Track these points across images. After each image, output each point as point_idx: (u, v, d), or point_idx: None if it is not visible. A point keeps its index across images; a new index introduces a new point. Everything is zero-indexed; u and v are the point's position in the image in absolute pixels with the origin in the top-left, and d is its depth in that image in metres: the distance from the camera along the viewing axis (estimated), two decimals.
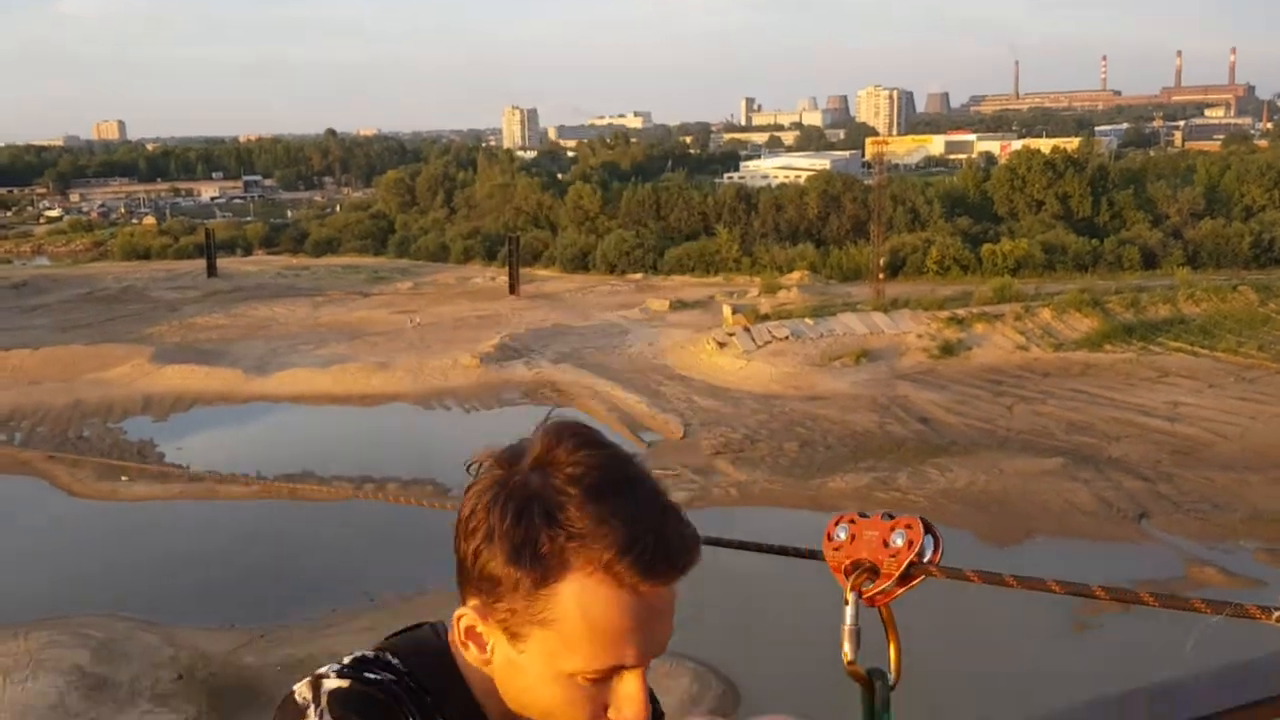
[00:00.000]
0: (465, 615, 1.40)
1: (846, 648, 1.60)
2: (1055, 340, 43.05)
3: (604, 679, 1.34)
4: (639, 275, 65.07)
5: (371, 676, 1.37)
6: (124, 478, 30.59)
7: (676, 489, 28.47)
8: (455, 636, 1.43)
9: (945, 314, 44.93)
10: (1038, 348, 42.33)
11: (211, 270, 70.18)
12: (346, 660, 1.40)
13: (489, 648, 1.39)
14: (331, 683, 1.35)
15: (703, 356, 42.68)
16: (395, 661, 1.44)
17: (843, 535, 1.70)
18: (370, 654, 1.45)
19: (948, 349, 42.05)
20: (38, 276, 72.47)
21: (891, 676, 1.65)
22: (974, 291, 49.93)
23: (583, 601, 1.30)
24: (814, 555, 1.82)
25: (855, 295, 52.34)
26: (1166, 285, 50.75)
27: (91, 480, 30.57)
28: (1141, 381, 37.22)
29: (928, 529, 1.63)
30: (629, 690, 1.35)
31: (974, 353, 41.95)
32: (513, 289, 60.92)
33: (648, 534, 1.30)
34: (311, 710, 1.31)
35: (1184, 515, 24.99)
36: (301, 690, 1.34)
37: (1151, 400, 34.51)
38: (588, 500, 1.30)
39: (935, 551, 1.63)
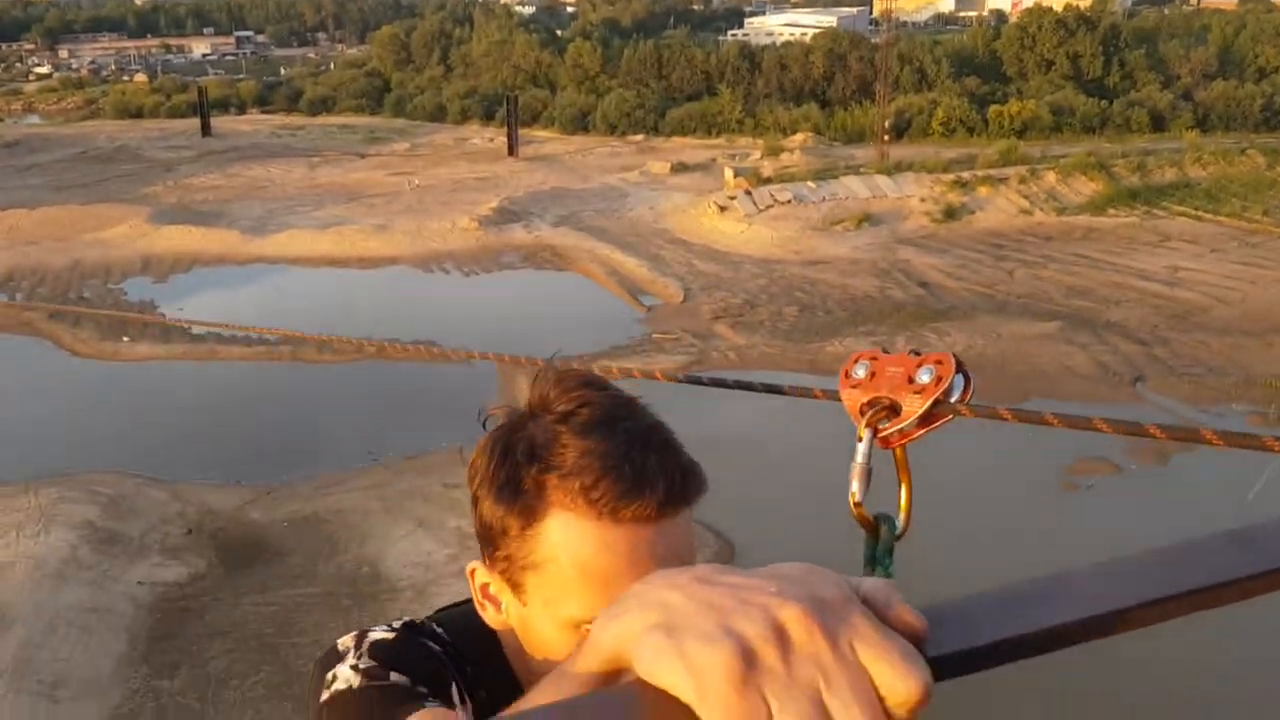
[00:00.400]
0: (477, 570, 1.39)
1: (855, 486, 1.53)
2: (1059, 204, 42.68)
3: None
4: (640, 137, 64.06)
5: (418, 640, 1.37)
6: (125, 338, 30.74)
7: (676, 353, 28.64)
8: (475, 598, 1.41)
9: (949, 177, 44.39)
10: (1041, 211, 42.01)
11: (205, 129, 69.07)
12: (395, 623, 1.39)
13: (503, 606, 1.37)
14: (377, 634, 1.35)
15: (704, 220, 42.39)
16: (441, 631, 1.43)
17: (861, 373, 1.59)
18: (418, 621, 1.45)
19: (950, 213, 41.72)
20: (30, 135, 71.37)
21: (899, 524, 1.56)
22: (979, 154, 49.27)
23: (566, 539, 1.25)
24: (830, 396, 1.73)
25: (859, 158, 51.66)
26: (1174, 149, 50.02)
27: (94, 340, 30.73)
28: (1143, 246, 37.07)
29: (959, 367, 1.52)
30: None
31: (976, 216, 41.65)
32: (511, 150, 60.07)
33: (626, 463, 1.25)
34: (351, 653, 1.31)
35: (1178, 379, 25.21)
36: (345, 640, 1.35)
37: (1152, 265, 34.43)
38: (575, 435, 1.27)
39: (965, 391, 1.52)
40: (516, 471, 1.29)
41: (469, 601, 1.47)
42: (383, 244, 41.27)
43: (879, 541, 1.53)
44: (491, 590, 1.37)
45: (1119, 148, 51.35)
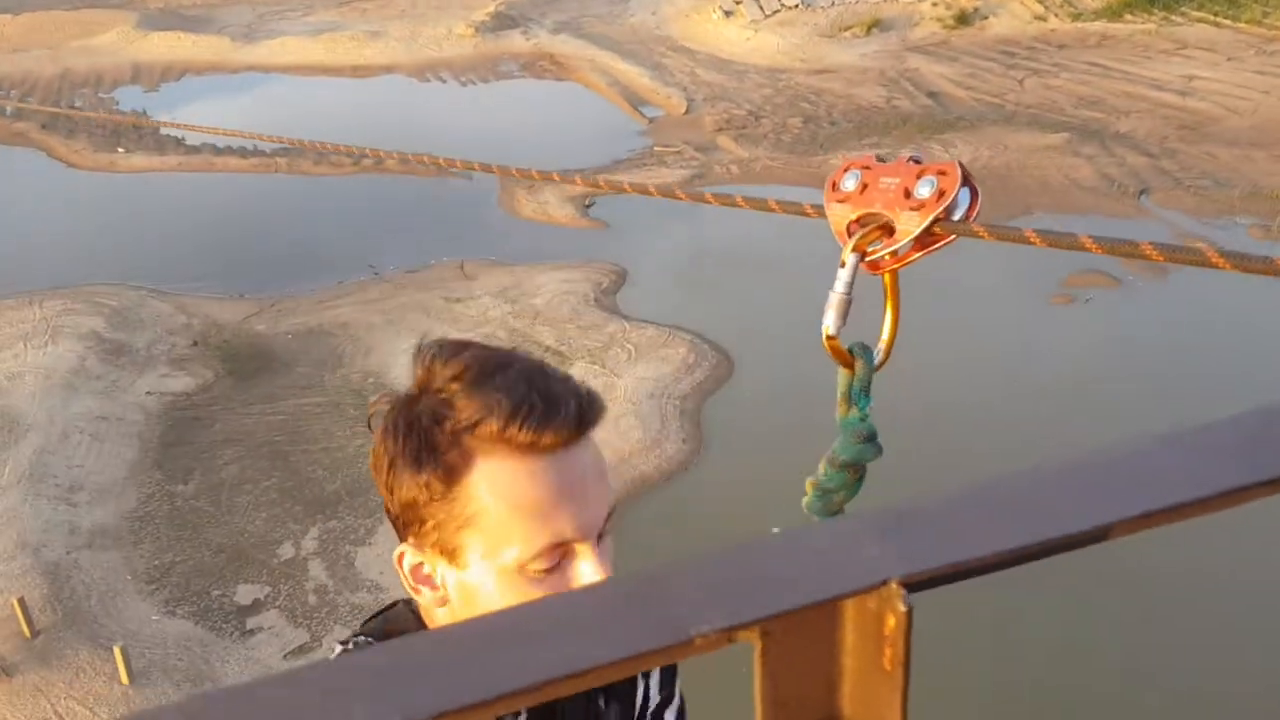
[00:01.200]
0: (405, 552, 1.36)
1: (830, 319, 1.40)
2: (1074, 9, 41.28)
3: (555, 566, 1.30)
4: None
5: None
6: (120, 149, 30.33)
7: (678, 167, 28.29)
8: (406, 585, 1.39)
9: None
10: (1055, 18, 40.68)
11: None
12: (333, 653, 1.37)
13: (439, 580, 1.35)
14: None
15: (708, 26, 41.13)
16: (371, 643, 1.41)
17: (851, 184, 1.41)
18: (349, 643, 1.44)
19: (962, 18, 40.43)
20: None
21: (879, 357, 1.46)
22: None
23: (494, 483, 1.26)
24: (819, 212, 1.53)
25: None
26: None
27: (89, 151, 30.34)
28: (1158, 54, 36.07)
29: (965, 178, 1.34)
30: (584, 570, 1.31)
31: (989, 22, 40.38)
32: None
33: (533, 393, 1.27)
34: None
35: (1184, 191, 24.97)
36: None
37: (1166, 73, 33.59)
38: (470, 388, 1.27)
39: (971, 207, 1.35)
40: (428, 437, 1.28)
41: (391, 606, 1.49)
42: (377, 52, 40.18)
43: (855, 377, 1.44)
44: (425, 570, 1.35)
45: None
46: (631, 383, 18.30)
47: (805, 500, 1.53)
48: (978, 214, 1.34)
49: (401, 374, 18.24)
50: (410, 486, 1.29)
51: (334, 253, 23.90)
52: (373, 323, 20.75)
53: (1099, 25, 40.01)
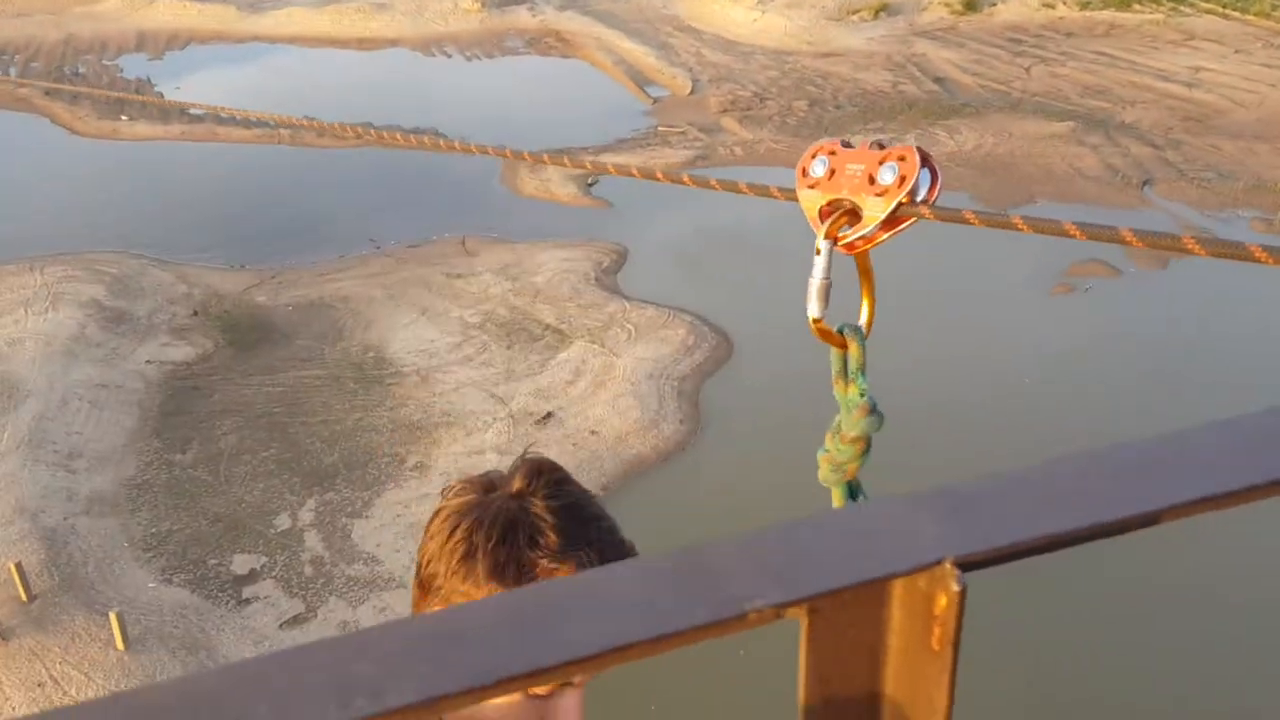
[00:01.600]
0: None
1: (813, 305, 1.47)
2: None
3: (549, 695, 1.40)
4: None
5: None
6: (124, 117, 30.26)
7: (681, 147, 28.24)
8: None
9: None
10: (1064, 5, 40.51)
11: None
12: None
13: None
14: None
15: (715, 7, 40.95)
16: None
17: (820, 170, 1.50)
18: None
19: (971, 4, 40.27)
20: None
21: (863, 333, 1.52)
22: None
23: None
24: (788, 196, 1.62)
25: None
26: None
27: (92, 118, 30.27)
28: (1166, 45, 35.95)
29: (924, 161, 1.41)
30: (568, 706, 1.42)
31: (998, 9, 40.22)
32: None
33: (610, 559, 1.40)
34: None
35: (1187, 183, 24.94)
36: None
37: (1173, 64, 33.49)
38: (564, 528, 1.40)
39: (932, 189, 1.42)
40: (518, 553, 1.40)
41: None
42: (383, 25, 40.04)
43: (852, 356, 1.51)
44: None
45: None
46: (631, 363, 18.33)
47: (820, 474, 1.61)
48: (938, 194, 1.39)
49: (401, 349, 18.18)
50: (472, 586, 1.40)
51: (335, 225, 23.88)
52: (373, 297, 20.76)
53: (1107, 14, 39.85)
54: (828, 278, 1.47)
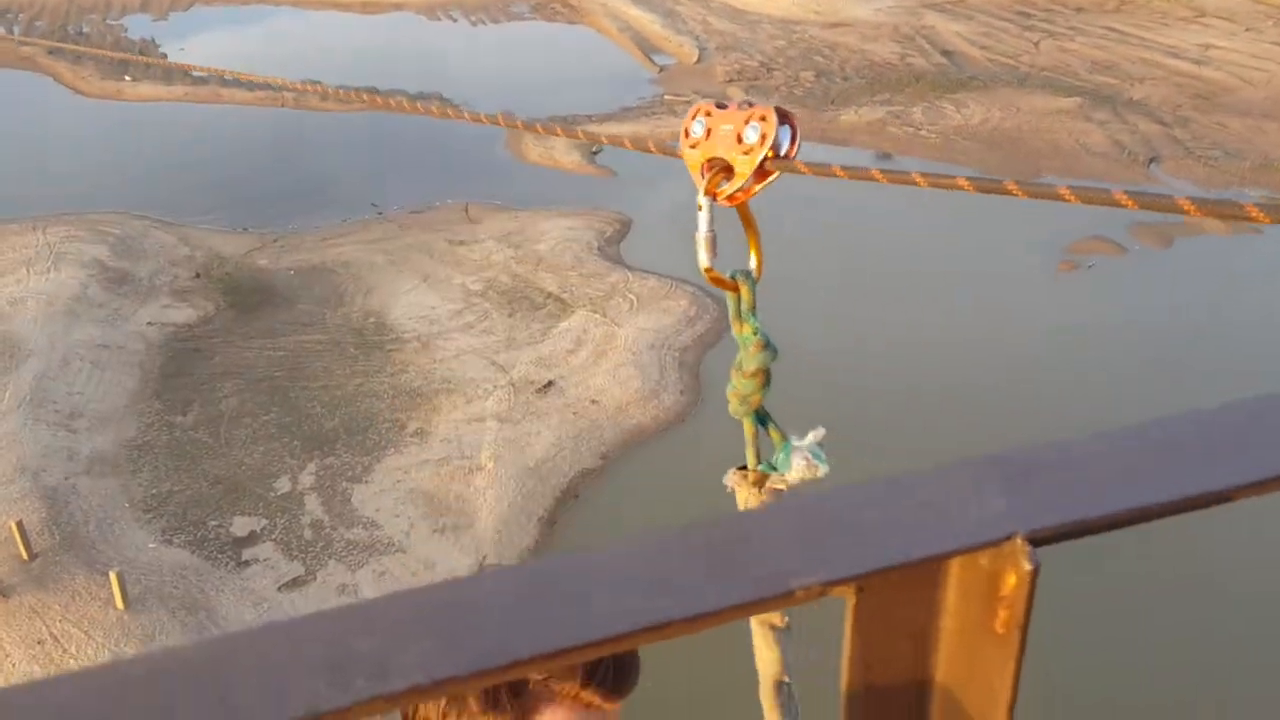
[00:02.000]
0: None
1: (703, 255, 1.59)
2: None
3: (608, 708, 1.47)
4: None
5: None
6: (127, 77, 30.12)
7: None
8: None
9: None
10: None
11: None
12: None
13: None
14: None
15: None
16: None
17: (699, 130, 1.61)
18: None
19: None
20: None
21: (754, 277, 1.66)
22: None
23: None
24: (670, 153, 1.76)
25: None
26: None
27: (95, 78, 30.13)
28: (1177, 21, 35.68)
29: (783, 119, 1.54)
30: None
31: None
32: None
33: (605, 665, 1.44)
34: None
35: (1194, 161, 24.83)
36: None
37: (1183, 41, 33.26)
38: None
39: (792, 144, 1.54)
40: (512, 680, 1.41)
41: None
42: None
43: (741, 299, 1.65)
44: None
45: None
46: (632, 333, 18.32)
47: (730, 408, 1.78)
48: (798, 149, 1.54)
49: (402, 315, 18.21)
50: (476, 715, 1.44)
51: (338, 190, 23.81)
52: (375, 262, 20.73)
53: None
54: (712, 230, 1.60)
